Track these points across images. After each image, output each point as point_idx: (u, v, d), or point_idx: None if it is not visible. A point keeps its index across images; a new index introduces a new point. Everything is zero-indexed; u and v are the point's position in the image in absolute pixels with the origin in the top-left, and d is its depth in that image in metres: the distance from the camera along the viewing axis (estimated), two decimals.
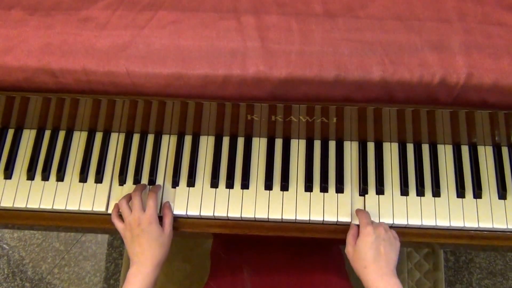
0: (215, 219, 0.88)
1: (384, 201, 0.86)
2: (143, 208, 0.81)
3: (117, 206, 0.85)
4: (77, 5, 0.79)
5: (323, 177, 0.88)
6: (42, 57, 0.75)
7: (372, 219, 0.85)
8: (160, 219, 0.84)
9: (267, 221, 0.87)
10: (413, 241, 0.87)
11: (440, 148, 0.90)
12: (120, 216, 0.84)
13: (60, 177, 0.89)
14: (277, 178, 0.88)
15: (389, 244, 0.78)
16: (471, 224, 0.85)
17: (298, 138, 0.91)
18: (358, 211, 0.85)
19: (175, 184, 0.88)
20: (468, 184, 0.87)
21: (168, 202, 0.87)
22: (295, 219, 0.86)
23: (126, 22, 0.77)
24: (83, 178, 0.89)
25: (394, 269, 0.77)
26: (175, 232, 0.86)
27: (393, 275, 0.76)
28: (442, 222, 0.85)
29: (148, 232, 0.79)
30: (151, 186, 0.88)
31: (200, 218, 0.87)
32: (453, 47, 0.75)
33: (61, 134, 0.92)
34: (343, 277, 0.95)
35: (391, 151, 0.90)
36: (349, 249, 0.80)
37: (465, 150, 0.90)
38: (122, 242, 1.59)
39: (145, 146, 0.91)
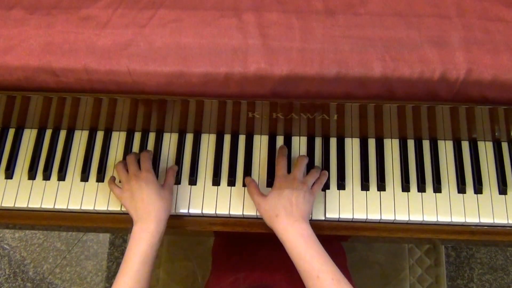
0: (216, 217, 0.88)
1: (386, 197, 0.86)
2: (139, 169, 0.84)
3: (112, 177, 0.87)
4: (78, 3, 0.78)
5: None
6: (43, 56, 0.75)
7: (372, 215, 0.85)
8: None
9: None
10: (414, 237, 0.87)
11: (441, 144, 0.90)
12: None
13: (62, 177, 0.89)
14: None
15: (302, 195, 0.79)
16: (472, 219, 0.85)
17: (300, 135, 0.91)
18: (278, 160, 0.86)
19: (176, 182, 0.88)
20: (469, 180, 0.88)
21: (174, 165, 0.89)
22: None
23: (127, 20, 0.77)
24: (84, 177, 0.89)
25: (306, 218, 0.78)
26: (176, 231, 0.86)
27: (304, 221, 0.77)
28: (444, 218, 0.85)
29: (147, 183, 0.80)
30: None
31: (202, 216, 0.88)
32: (453, 43, 0.75)
33: (62, 134, 0.92)
34: (346, 274, 0.95)
35: (392, 147, 0.90)
36: (259, 202, 0.81)
37: (465, 145, 0.90)
38: (124, 241, 1.59)
39: (147, 144, 0.91)
